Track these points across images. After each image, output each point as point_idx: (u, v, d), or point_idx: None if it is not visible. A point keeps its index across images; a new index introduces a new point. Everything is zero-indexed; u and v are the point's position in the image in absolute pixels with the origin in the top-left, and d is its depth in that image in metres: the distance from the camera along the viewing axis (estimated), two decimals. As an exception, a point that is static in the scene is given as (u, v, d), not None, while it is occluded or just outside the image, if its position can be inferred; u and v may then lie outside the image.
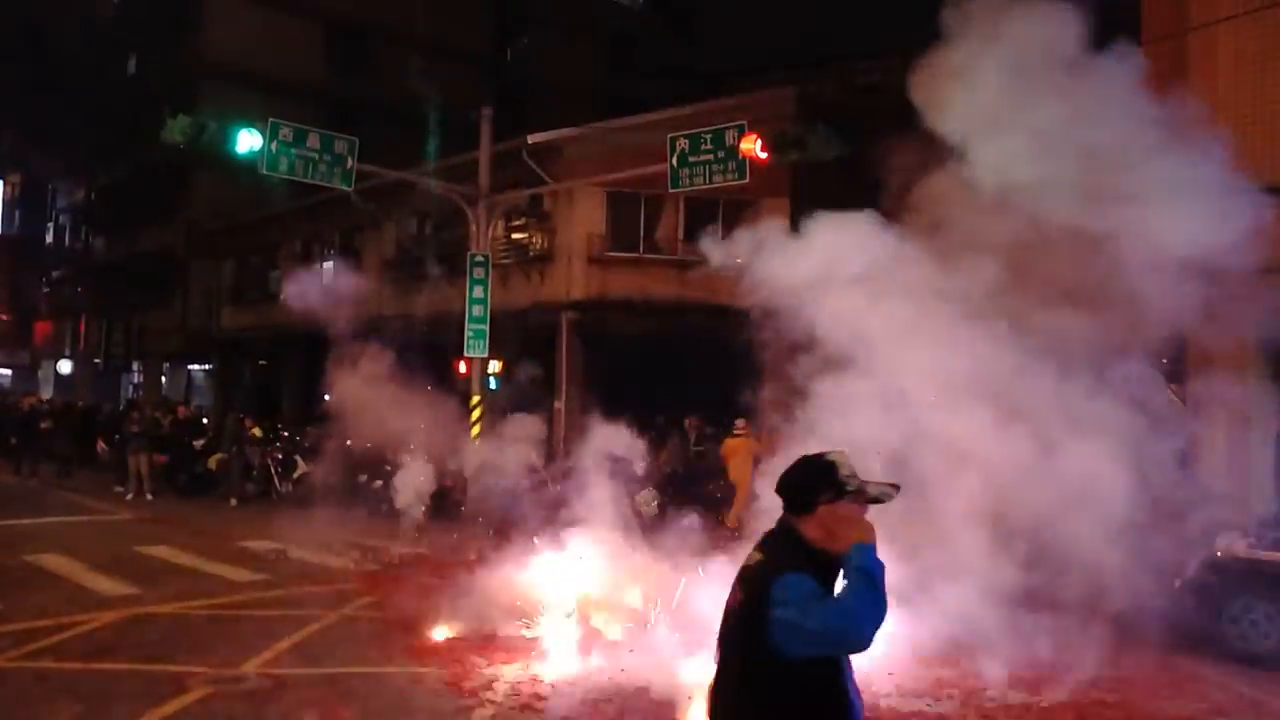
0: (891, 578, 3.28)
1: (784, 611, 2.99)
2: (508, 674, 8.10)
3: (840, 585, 3.13)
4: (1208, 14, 11.86)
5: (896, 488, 3.27)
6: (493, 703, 7.45)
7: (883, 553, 3.13)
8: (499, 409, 15.75)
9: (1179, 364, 12.46)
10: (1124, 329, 9.33)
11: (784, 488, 3.32)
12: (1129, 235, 8.29)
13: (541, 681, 7.90)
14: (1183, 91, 11.59)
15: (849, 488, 3.19)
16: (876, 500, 3.23)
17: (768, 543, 3.27)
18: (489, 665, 8.32)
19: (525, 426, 11.89)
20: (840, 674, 3.14)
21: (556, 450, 16.07)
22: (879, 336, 8.97)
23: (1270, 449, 11.63)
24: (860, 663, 3.30)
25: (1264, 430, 11.55)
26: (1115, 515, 11.71)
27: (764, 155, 12.86)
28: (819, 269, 8.99)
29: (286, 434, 21.59)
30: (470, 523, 13.92)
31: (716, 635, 3.31)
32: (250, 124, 14.04)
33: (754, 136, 12.87)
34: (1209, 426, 11.44)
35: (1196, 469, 11.64)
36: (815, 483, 3.23)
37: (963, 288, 8.76)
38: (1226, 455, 11.38)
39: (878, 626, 2.98)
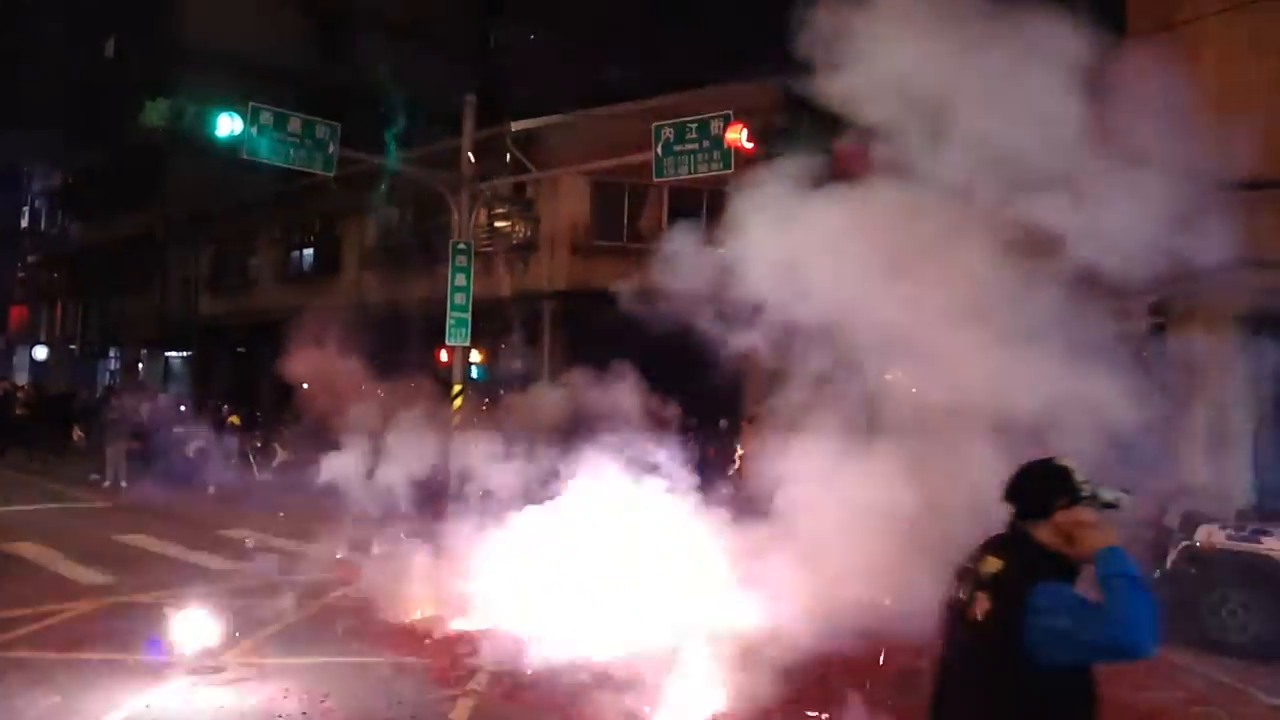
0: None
1: (1051, 620, 2.98)
2: (491, 664, 8.07)
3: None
4: (1194, 9, 11.89)
5: (1129, 492, 3.28)
6: (476, 692, 7.43)
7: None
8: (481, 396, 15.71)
9: (1160, 357, 12.55)
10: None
11: (1016, 494, 3.32)
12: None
13: (525, 671, 7.88)
14: (1167, 85, 11.64)
15: (1084, 493, 3.20)
16: (1112, 505, 3.23)
17: (1003, 549, 3.27)
18: (472, 655, 8.29)
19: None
20: (1094, 679, 3.16)
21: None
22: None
23: (1248, 442, 11.72)
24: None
25: (1242, 423, 11.64)
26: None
27: (750, 146, 12.83)
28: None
29: (265, 422, 21.48)
30: (455, 510, 13.85)
31: (945, 644, 3.32)
32: (231, 108, 13.91)
33: (740, 126, 12.84)
34: (1189, 419, 11.52)
35: (1177, 461, 11.73)
36: (1051, 488, 3.24)
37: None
38: (1206, 447, 11.46)
39: (1155, 630, 2.97)
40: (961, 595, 3.26)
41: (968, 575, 3.29)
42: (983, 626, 3.14)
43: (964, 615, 3.22)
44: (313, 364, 13.11)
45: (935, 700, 3.35)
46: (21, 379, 39.32)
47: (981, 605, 3.16)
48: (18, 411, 24.77)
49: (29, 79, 39.02)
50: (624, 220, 21.33)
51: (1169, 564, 10.05)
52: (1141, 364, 12.60)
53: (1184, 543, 9.97)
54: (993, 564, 3.22)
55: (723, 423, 17.16)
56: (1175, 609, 10.19)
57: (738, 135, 12.78)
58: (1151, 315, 12.11)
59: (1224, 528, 9.83)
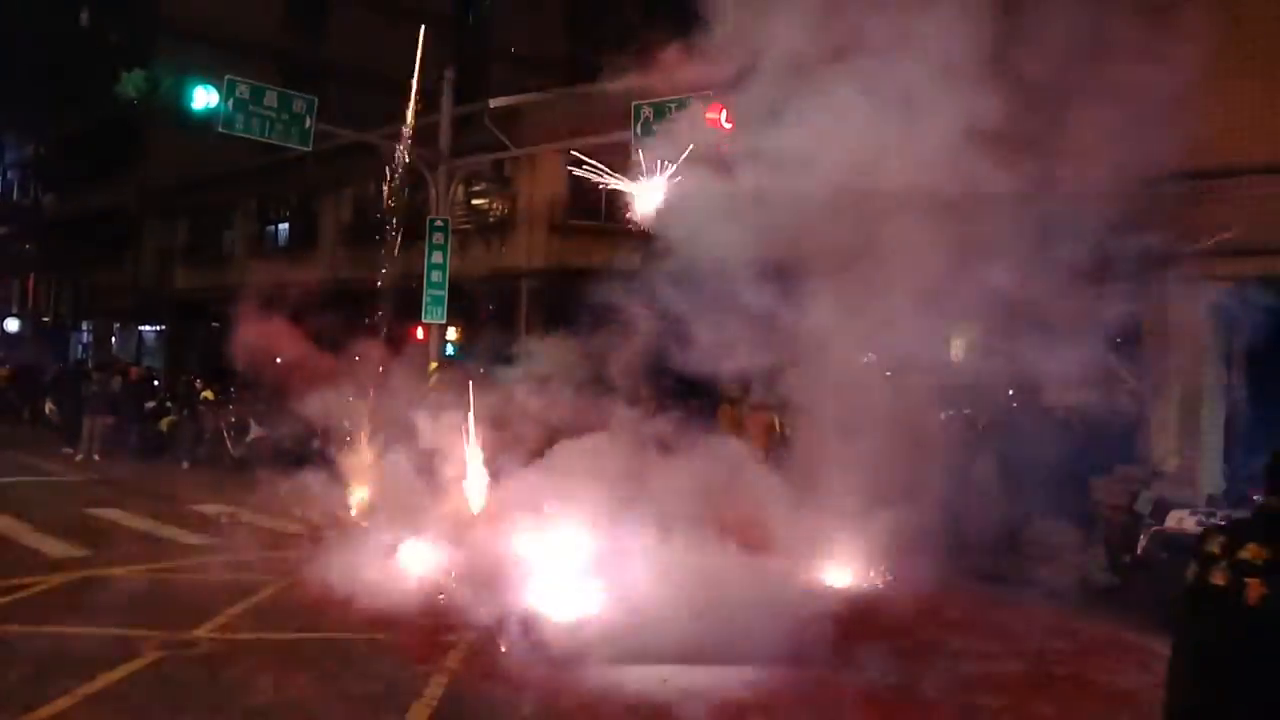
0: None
1: None
2: (465, 641, 8.07)
3: None
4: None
5: None
6: (450, 669, 7.42)
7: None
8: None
9: (1133, 345, 12.64)
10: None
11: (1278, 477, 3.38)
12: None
13: (500, 649, 7.88)
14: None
15: None
16: None
17: (1266, 534, 3.29)
18: (447, 633, 8.29)
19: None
20: None
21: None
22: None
23: (1220, 428, 11.83)
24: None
25: (1215, 410, 11.75)
26: (1070, 493, 11.95)
27: (729, 126, 12.79)
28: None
29: (239, 397, 21.31)
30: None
31: (1200, 631, 3.35)
32: (207, 80, 13.79)
33: (719, 106, 12.78)
34: (1162, 406, 11.63)
35: (1149, 447, 11.85)
36: None
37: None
38: (1178, 434, 11.57)
39: None
40: (1219, 581, 3.28)
41: (1220, 561, 3.31)
42: (1260, 612, 3.18)
43: (1230, 602, 3.24)
44: (265, 336, 13.08)
45: (1194, 688, 3.37)
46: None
47: (1255, 591, 3.19)
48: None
49: (2, 49, 38.41)
50: (602, 199, 21.20)
51: (1139, 549, 10.16)
52: (1114, 352, 12.74)
53: (1154, 528, 10.06)
54: (1257, 550, 3.25)
55: (693, 403, 17.10)
56: (1146, 594, 10.33)
57: (717, 115, 12.72)
58: (1124, 302, 12.20)
59: (1194, 513, 9.91)
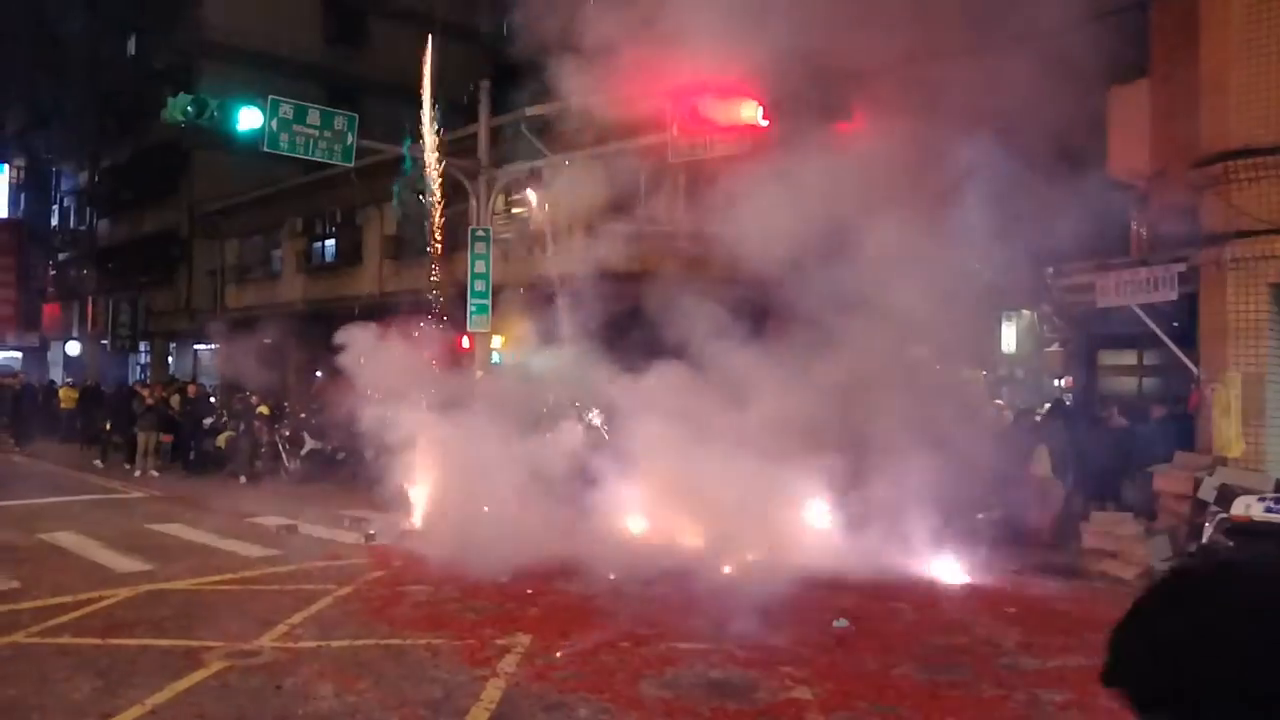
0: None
1: None
2: (521, 645, 8.11)
3: None
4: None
5: None
6: (506, 674, 7.45)
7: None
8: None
9: (1190, 330, 12.42)
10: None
11: None
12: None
13: (554, 653, 7.91)
14: (1193, 50, 11.51)
15: None
16: None
17: None
18: (503, 637, 8.33)
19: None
20: None
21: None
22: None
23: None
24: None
25: (1278, 393, 11.48)
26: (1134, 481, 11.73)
27: (765, 123, 12.74)
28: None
29: (293, 411, 21.59)
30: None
31: None
32: (251, 101, 13.99)
33: (754, 104, 12.74)
34: (1223, 390, 11.39)
35: (1211, 434, 11.61)
36: None
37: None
38: (1241, 420, 11.31)
39: None
40: None
41: None
42: None
43: None
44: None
45: None
46: (56, 375, 39.87)
47: None
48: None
49: (54, 79, 39.23)
50: (641, 202, 21.18)
51: (1206, 538, 9.95)
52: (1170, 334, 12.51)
53: (1220, 515, 9.86)
54: None
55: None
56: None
57: (753, 113, 12.68)
58: (1182, 284, 11.99)
59: (1261, 499, 9.69)
